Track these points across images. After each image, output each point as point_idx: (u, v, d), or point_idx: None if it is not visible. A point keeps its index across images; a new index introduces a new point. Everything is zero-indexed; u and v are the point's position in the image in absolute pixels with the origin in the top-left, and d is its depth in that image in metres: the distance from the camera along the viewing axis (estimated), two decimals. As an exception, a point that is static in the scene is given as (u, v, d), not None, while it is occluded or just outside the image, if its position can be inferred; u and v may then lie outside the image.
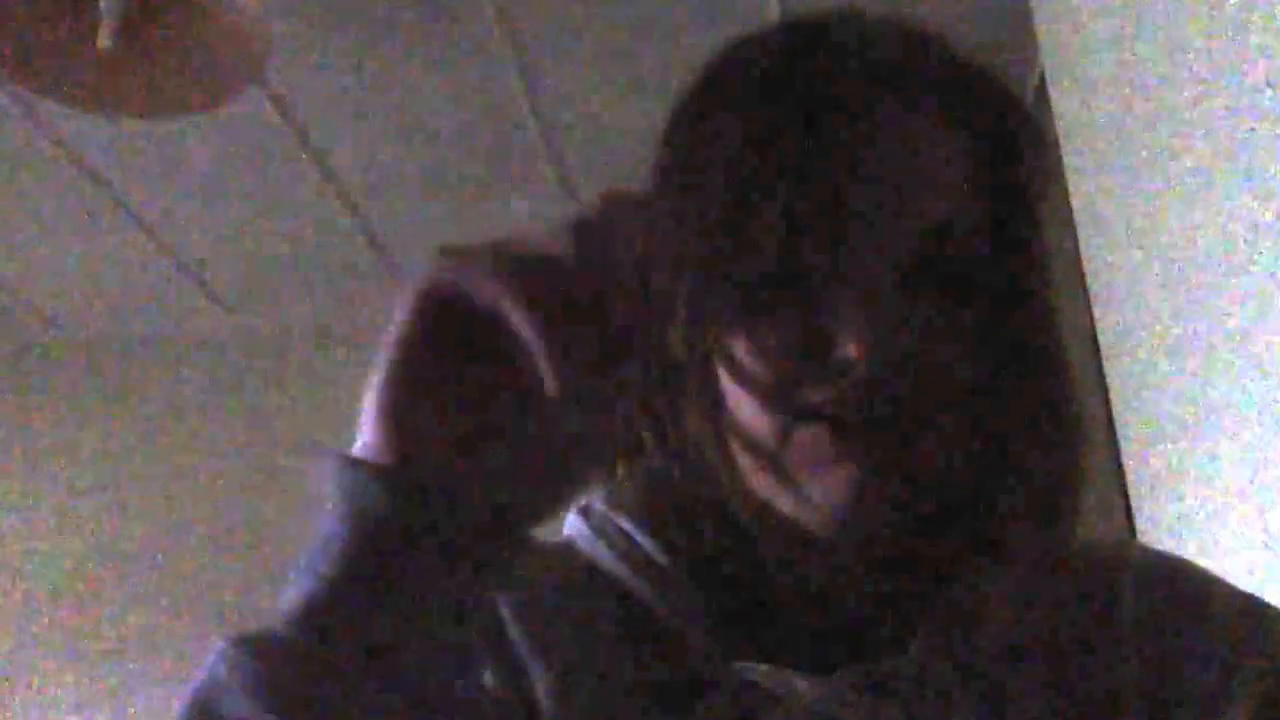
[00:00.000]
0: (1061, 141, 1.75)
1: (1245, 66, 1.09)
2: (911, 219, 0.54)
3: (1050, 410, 0.58)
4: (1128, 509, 1.72)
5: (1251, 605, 0.61)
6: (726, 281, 0.54)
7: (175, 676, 2.73)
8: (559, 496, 0.45)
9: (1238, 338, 1.17)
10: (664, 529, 0.59)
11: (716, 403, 0.55)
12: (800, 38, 0.57)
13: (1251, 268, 1.12)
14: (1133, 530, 1.69)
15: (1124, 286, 1.59)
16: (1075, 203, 1.74)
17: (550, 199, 2.78)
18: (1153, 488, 1.58)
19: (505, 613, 0.58)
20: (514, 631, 0.57)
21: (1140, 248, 1.47)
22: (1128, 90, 1.46)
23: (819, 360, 0.52)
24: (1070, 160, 1.73)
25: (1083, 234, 1.73)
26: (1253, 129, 1.08)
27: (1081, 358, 1.75)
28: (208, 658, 0.40)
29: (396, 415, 0.41)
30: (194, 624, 2.95)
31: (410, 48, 2.30)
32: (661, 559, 0.58)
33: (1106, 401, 1.72)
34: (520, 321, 0.40)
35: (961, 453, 0.55)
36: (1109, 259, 1.64)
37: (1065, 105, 1.78)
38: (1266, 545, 1.16)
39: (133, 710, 2.98)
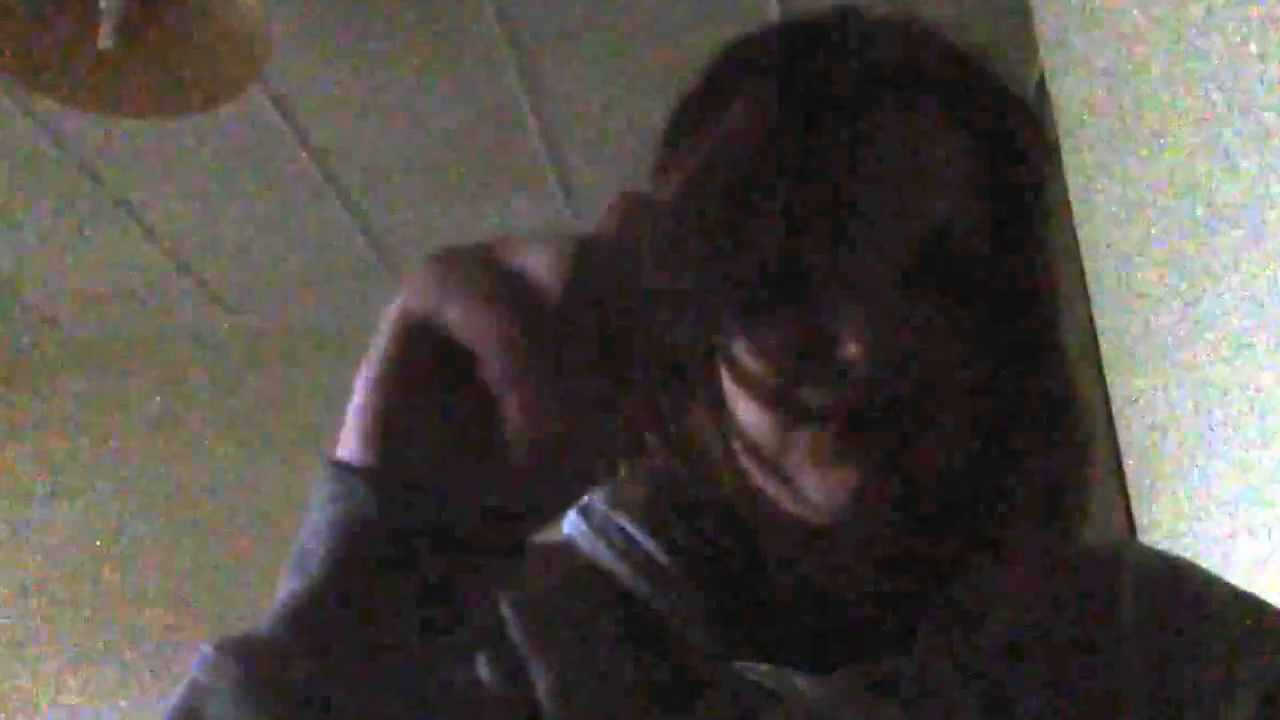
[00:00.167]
0: (1061, 141, 1.75)
1: (1245, 66, 1.08)
2: (912, 218, 0.53)
3: (1052, 409, 0.58)
4: (1128, 509, 1.72)
5: (1251, 604, 0.61)
6: (728, 281, 0.53)
7: (175, 675, 2.73)
8: (555, 501, 0.43)
9: (1238, 338, 1.17)
10: (664, 528, 0.59)
11: (718, 403, 0.55)
12: (800, 36, 0.57)
13: (1252, 267, 1.12)
14: (1133, 530, 1.69)
15: (1124, 286, 1.58)
16: (1075, 202, 1.74)
17: (550, 199, 2.78)
18: (1153, 488, 1.58)
19: (505, 613, 0.58)
20: (514, 631, 0.57)
21: (1140, 247, 1.47)
22: (1128, 89, 1.46)
23: (820, 360, 0.52)
24: (1070, 160, 1.73)
25: (1083, 234, 1.73)
26: (1253, 128, 1.08)
27: (1081, 358, 1.75)
28: (193, 661, 0.39)
29: (382, 425, 0.39)
30: (194, 623, 2.95)
31: (410, 48, 2.30)
32: (662, 559, 0.58)
33: (1106, 401, 1.72)
34: (492, 367, 0.38)
35: (963, 452, 0.55)
36: (1109, 258, 1.64)
37: (1065, 105, 1.78)
38: (1266, 545, 1.16)
39: (133, 709, 2.98)
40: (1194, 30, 1.22)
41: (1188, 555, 0.65)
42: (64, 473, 3.23)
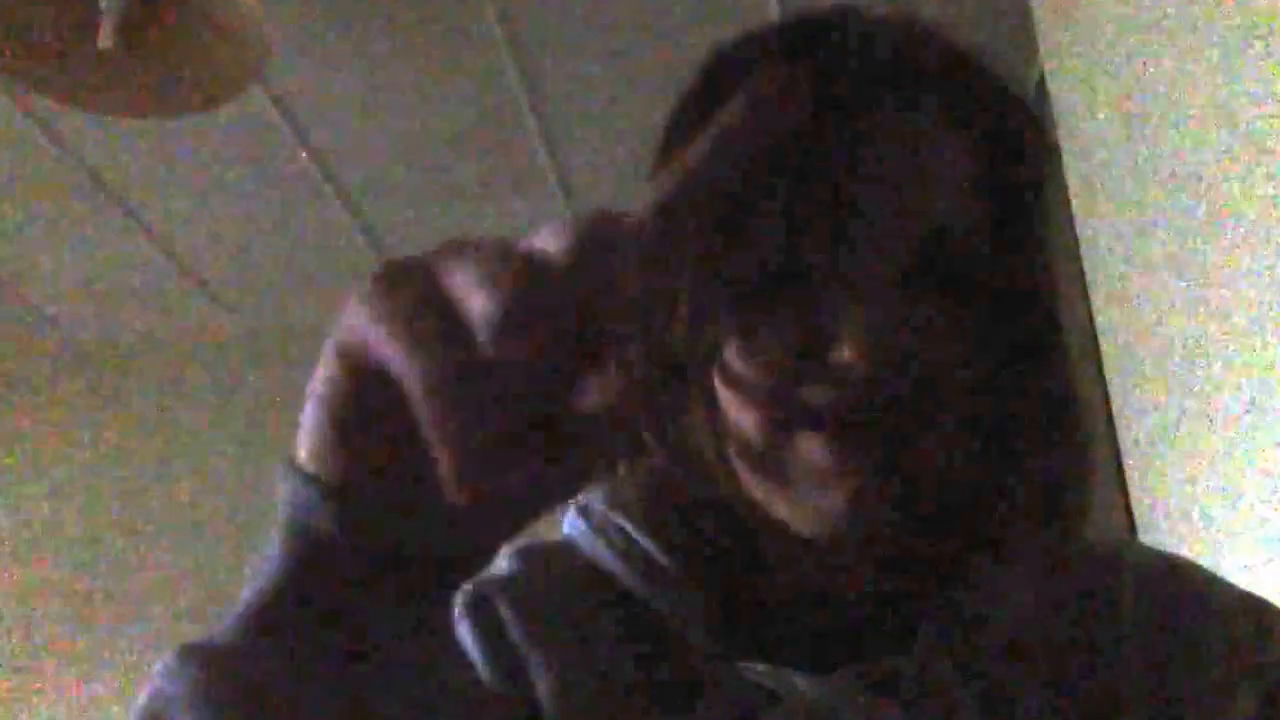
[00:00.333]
0: (1061, 141, 1.75)
1: (1246, 65, 1.08)
2: (912, 218, 0.53)
3: (1052, 409, 0.58)
4: (1128, 509, 1.72)
5: (1251, 604, 0.61)
6: (725, 281, 0.53)
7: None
8: (489, 538, 0.41)
9: (1238, 338, 1.17)
10: (664, 528, 0.59)
11: (714, 405, 0.55)
12: (800, 36, 0.57)
13: (1252, 266, 1.12)
14: (1133, 530, 1.69)
15: (1124, 286, 1.58)
16: (1075, 203, 1.74)
17: (550, 199, 2.78)
18: (1153, 488, 1.58)
19: (505, 613, 0.58)
20: (514, 631, 0.57)
21: (1140, 248, 1.47)
22: (1128, 90, 1.46)
23: (816, 362, 0.52)
24: (1070, 160, 1.73)
25: (1083, 234, 1.73)
26: (1253, 128, 1.08)
27: (1081, 358, 1.75)
28: (155, 668, 0.39)
29: (324, 441, 0.38)
30: (193, 623, 2.95)
31: (410, 48, 2.30)
32: (661, 559, 0.58)
33: (1106, 401, 1.72)
34: (420, 412, 0.35)
35: (963, 453, 0.55)
36: (1109, 259, 1.64)
37: (1065, 105, 1.78)
38: (1266, 545, 1.16)
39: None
40: (1194, 30, 1.22)
41: (1188, 555, 0.65)
42: (64, 473, 3.23)
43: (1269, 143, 1.04)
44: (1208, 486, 1.32)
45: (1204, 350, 1.28)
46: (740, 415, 0.54)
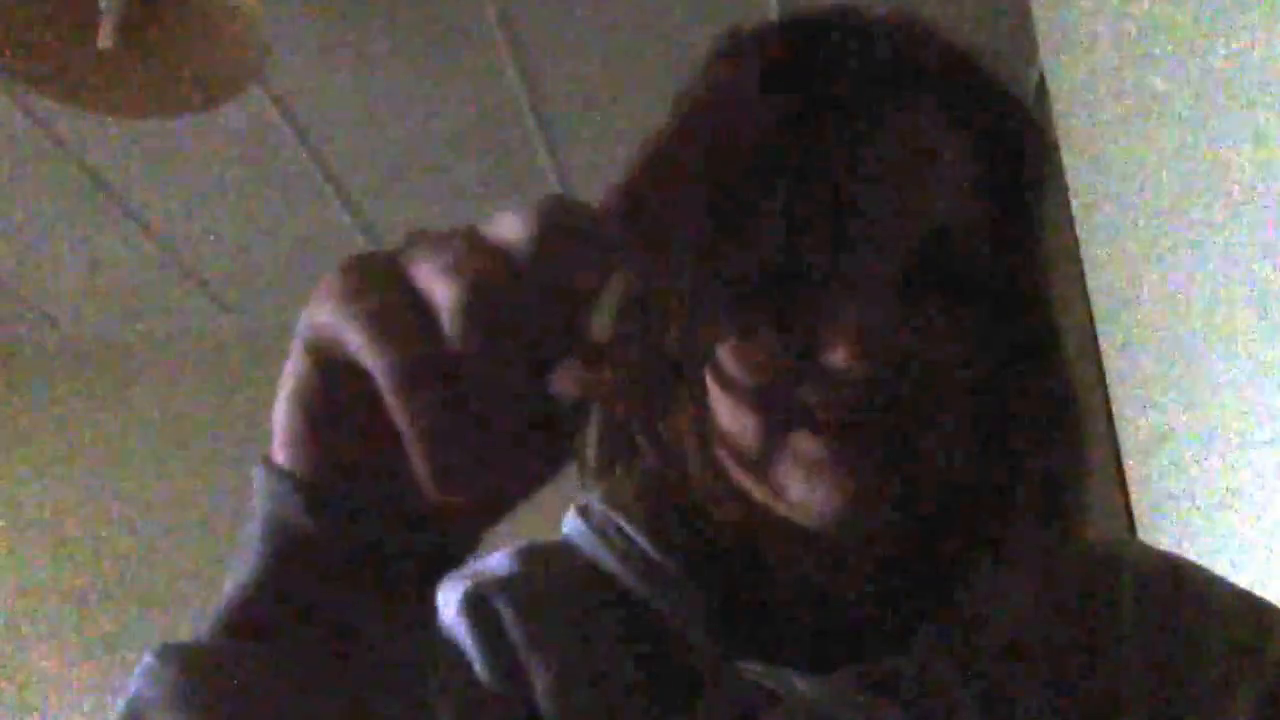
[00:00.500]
0: (1061, 141, 1.75)
1: (1245, 65, 1.08)
2: (912, 219, 0.53)
3: (1052, 409, 0.57)
4: (1128, 509, 1.72)
5: (1251, 603, 0.61)
6: (723, 282, 0.53)
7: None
8: (466, 527, 0.41)
9: (1238, 338, 1.17)
10: (663, 529, 0.59)
11: (704, 406, 0.55)
12: (799, 35, 0.57)
13: (1252, 267, 1.11)
14: (1133, 530, 1.69)
15: (1124, 286, 1.58)
16: (1075, 203, 1.74)
17: (550, 199, 2.78)
18: (1153, 488, 1.58)
19: (505, 613, 0.57)
20: (514, 632, 0.57)
21: (1140, 248, 1.47)
22: (1128, 90, 1.46)
23: (814, 363, 0.52)
24: (1070, 160, 1.73)
25: (1083, 234, 1.73)
26: (1253, 128, 1.08)
27: (1081, 358, 1.75)
28: (135, 670, 0.39)
29: (295, 435, 0.38)
30: (194, 623, 2.95)
31: (410, 47, 2.30)
32: (661, 559, 0.58)
33: (1106, 401, 1.72)
34: (390, 406, 0.34)
35: (961, 454, 0.55)
36: (1109, 259, 1.64)
37: (1065, 105, 1.78)
38: (1266, 545, 1.16)
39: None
40: (1194, 30, 1.22)
41: (1188, 555, 0.64)
42: (64, 473, 3.23)
43: (1269, 142, 1.04)
44: (1208, 486, 1.32)
45: (1204, 350, 1.27)
46: (735, 416, 0.54)
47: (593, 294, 0.36)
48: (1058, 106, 1.80)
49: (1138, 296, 1.51)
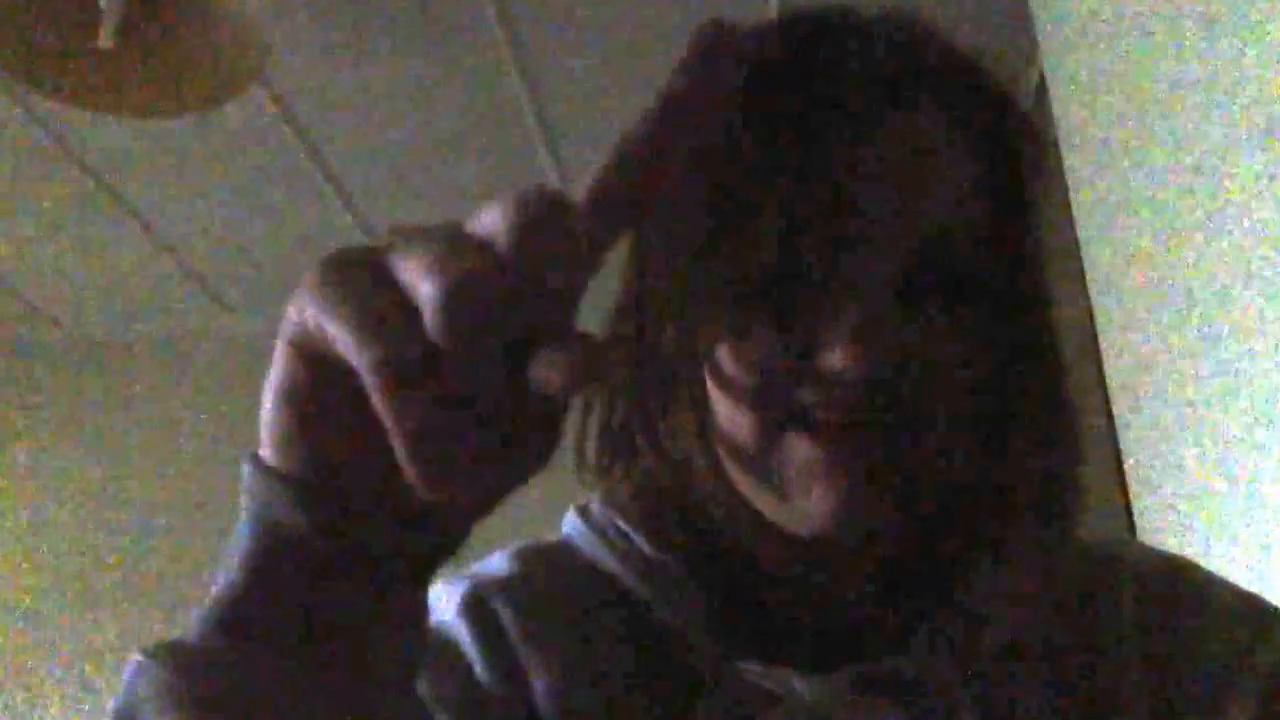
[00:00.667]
0: (1061, 141, 1.75)
1: (1245, 65, 1.08)
2: (911, 220, 0.53)
3: (1050, 409, 0.57)
4: (1128, 509, 1.72)
5: (1251, 604, 0.61)
6: (721, 282, 0.53)
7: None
8: (454, 522, 0.41)
9: (1238, 337, 1.17)
10: (663, 529, 0.59)
11: (702, 407, 0.55)
12: (798, 34, 0.57)
13: (1252, 266, 1.11)
14: (1133, 530, 1.69)
15: (1124, 286, 1.58)
16: (1075, 203, 1.74)
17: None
18: (1153, 488, 1.58)
19: (504, 613, 0.57)
20: (513, 632, 0.57)
21: (1140, 247, 1.47)
22: (1128, 90, 1.46)
23: (811, 365, 0.52)
24: (1070, 160, 1.73)
25: (1083, 234, 1.73)
26: (1253, 128, 1.08)
27: (1081, 358, 1.75)
28: (126, 669, 0.39)
29: (282, 432, 0.38)
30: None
31: (410, 47, 2.30)
32: (661, 559, 0.58)
33: (1107, 401, 1.72)
34: (375, 402, 0.34)
35: (960, 455, 0.55)
36: (1109, 258, 1.64)
37: (1065, 105, 1.78)
38: (1266, 545, 1.16)
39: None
40: (1194, 30, 1.22)
41: (1188, 555, 0.64)
42: (64, 473, 3.23)
43: (1269, 142, 1.04)
44: (1208, 487, 1.32)
45: (1204, 350, 1.27)
46: (732, 417, 0.54)
47: (577, 286, 0.36)
48: (1058, 107, 1.80)
49: (1138, 296, 1.51)
